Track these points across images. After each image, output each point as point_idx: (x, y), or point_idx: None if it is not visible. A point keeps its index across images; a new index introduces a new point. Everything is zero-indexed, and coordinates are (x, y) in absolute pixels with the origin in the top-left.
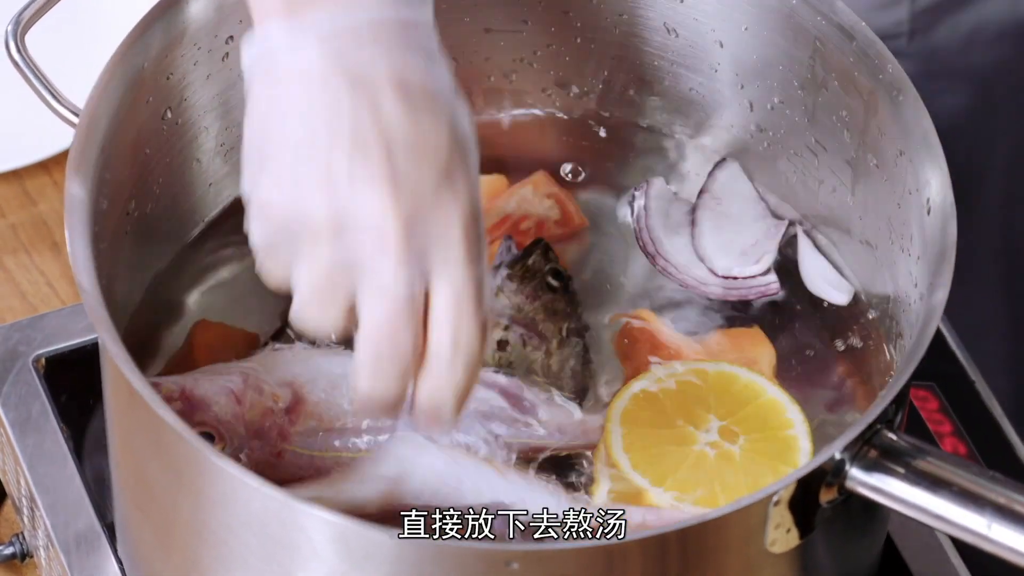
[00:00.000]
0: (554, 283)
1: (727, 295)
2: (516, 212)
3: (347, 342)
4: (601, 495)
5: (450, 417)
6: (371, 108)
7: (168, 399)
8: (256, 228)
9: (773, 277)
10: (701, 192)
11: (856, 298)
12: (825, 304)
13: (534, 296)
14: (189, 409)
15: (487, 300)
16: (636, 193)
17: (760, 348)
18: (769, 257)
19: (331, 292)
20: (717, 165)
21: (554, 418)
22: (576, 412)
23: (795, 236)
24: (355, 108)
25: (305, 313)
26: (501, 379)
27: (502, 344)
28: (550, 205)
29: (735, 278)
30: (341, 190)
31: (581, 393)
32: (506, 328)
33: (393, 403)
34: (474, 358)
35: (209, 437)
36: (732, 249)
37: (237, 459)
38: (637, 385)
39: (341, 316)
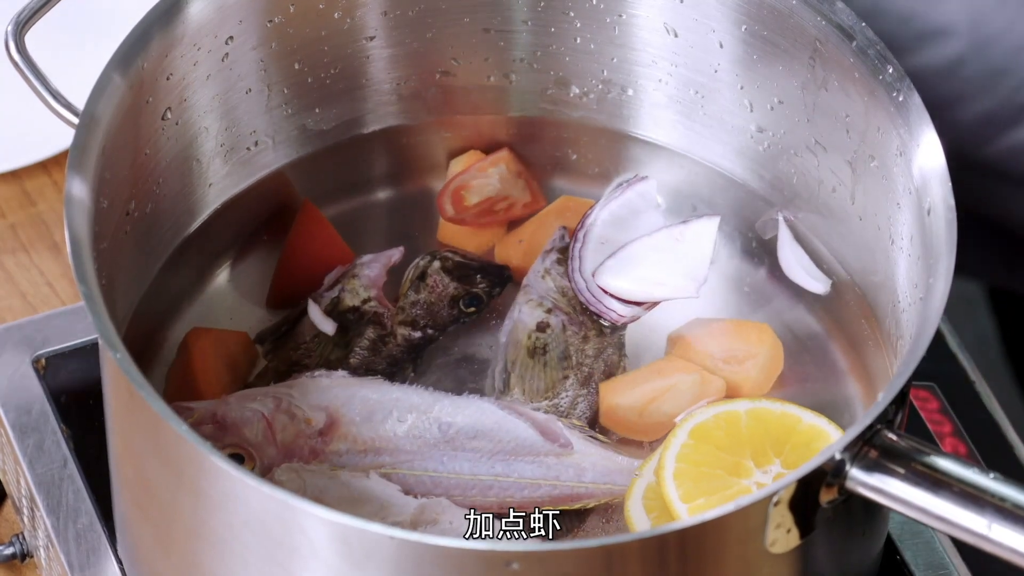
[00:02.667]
0: None
1: (580, 295)
2: (498, 193)
3: (386, 372)
4: (638, 490)
5: None
6: None
7: (199, 423)
8: None
9: (627, 311)
10: (678, 223)
11: (856, 299)
12: (810, 294)
13: None
14: (220, 432)
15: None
16: (626, 182)
17: (763, 345)
18: (647, 296)
19: None
20: (707, 216)
21: (590, 456)
22: (618, 457)
23: (776, 222)
24: None
25: None
26: (539, 416)
27: (542, 326)
28: (522, 186)
29: (600, 288)
30: None
31: None
32: (548, 311)
33: None
34: None
35: (239, 458)
36: (633, 273)
37: (265, 476)
38: (726, 405)
39: None
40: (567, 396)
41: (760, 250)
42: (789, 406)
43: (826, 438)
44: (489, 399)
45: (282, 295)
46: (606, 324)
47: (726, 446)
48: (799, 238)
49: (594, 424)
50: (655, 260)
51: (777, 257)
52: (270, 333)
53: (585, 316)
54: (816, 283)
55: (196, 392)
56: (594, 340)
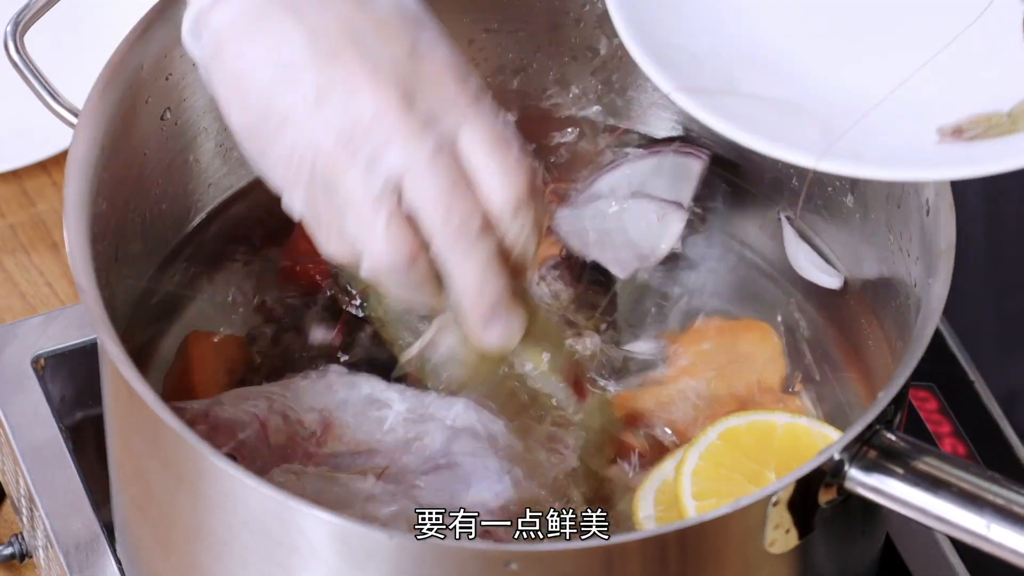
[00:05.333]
0: (601, 278)
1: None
2: None
3: (379, 368)
4: (654, 482)
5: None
6: (320, 12)
7: (192, 423)
8: (294, 200)
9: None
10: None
11: (856, 299)
12: (821, 293)
13: (574, 284)
14: (212, 433)
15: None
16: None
17: (765, 346)
18: (575, 246)
19: (384, 215)
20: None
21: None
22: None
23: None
24: (303, 20)
25: (379, 262)
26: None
27: None
28: None
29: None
30: (332, 106)
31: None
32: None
33: (500, 274)
34: (532, 193)
35: (232, 458)
36: (592, 223)
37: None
38: (765, 415)
39: (409, 238)
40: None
41: (758, 250)
42: (827, 428)
43: None
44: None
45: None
46: (597, 328)
47: (753, 454)
48: (801, 237)
49: None
50: (634, 238)
51: (782, 257)
52: (264, 329)
53: (577, 316)
54: (830, 279)
55: (193, 396)
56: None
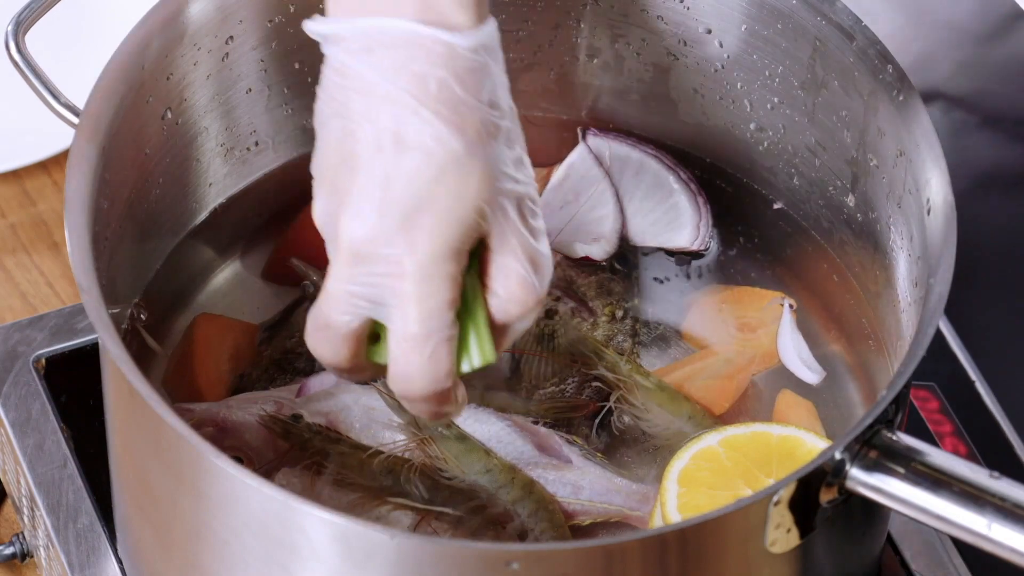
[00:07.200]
0: (617, 266)
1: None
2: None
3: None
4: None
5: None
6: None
7: (200, 425)
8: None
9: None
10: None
11: (857, 298)
12: (808, 289)
13: (588, 273)
14: (220, 434)
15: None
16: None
17: (769, 313)
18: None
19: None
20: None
21: (588, 475)
22: (615, 478)
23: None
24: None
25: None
26: (540, 430)
27: (550, 313)
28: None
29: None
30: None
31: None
32: (557, 299)
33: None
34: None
35: (238, 460)
36: (564, 211)
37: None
38: (696, 445)
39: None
40: (574, 382)
41: (755, 248)
42: (755, 425)
43: (801, 444)
44: (489, 411)
45: (279, 270)
46: (615, 314)
47: (717, 484)
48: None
49: (606, 415)
50: (652, 205)
51: (777, 344)
52: (269, 324)
53: (595, 303)
54: (810, 373)
55: (194, 374)
56: (604, 327)
